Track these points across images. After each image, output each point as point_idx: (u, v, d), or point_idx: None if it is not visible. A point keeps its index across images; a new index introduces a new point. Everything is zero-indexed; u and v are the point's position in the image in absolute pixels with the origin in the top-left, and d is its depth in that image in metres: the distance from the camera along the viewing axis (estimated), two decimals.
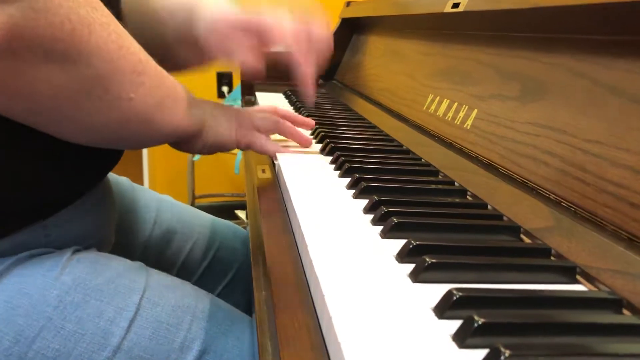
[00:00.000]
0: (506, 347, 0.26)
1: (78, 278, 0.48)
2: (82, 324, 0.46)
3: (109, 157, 0.57)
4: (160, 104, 0.50)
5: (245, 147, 0.62)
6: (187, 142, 0.57)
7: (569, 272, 0.38)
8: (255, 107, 0.67)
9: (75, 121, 0.45)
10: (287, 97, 1.15)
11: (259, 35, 0.62)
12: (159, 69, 0.50)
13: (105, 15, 0.43)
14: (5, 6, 0.35)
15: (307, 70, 0.64)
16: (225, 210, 2.12)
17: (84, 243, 0.55)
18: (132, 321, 0.47)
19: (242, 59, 0.62)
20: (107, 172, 0.58)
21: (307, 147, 0.67)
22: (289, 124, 0.65)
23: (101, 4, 0.43)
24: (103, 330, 0.46)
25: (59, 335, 0.45)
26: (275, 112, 0.66)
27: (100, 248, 0.57)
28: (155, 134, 0.52)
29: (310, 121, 0.71)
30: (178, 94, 0.53)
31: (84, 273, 0.49)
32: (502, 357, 0.26)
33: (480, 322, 0.28)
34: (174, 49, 0.67)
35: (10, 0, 0.36)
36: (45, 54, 0.39)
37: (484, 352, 0.27)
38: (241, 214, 2.17)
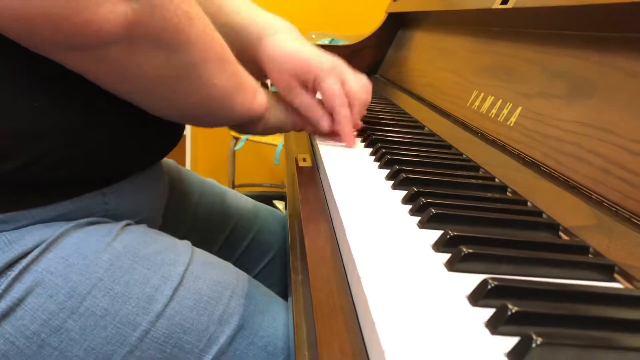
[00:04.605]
0: (538, 335, 0.27)
1: (128, 246, 0.51)
2: (129, 287, 0.48)
3: (172, 138, 0.61)
4: (236, 89, 0.56)
5: (301, 130, 0.69)
6: (250, 123, 0.63)
7: (607, 270, 0.38)
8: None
9: (168, 100, 0.52)
10: None
11: (311, 87, 0.66)
12: (234, 58, 0.55)
13: (199, 10, 0.49)
14: (131, 1, 0.41)
15: (345, 129, 0.67)
16: (263, 200, 2.13)
17: (138, 215, 0.58)
18: (175, 290, 0.50)
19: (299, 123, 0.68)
20: (169, 152, 0.62)
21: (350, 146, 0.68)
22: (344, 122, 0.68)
23: (195, 1, 0.49)
24: (148, 296, 0.49)
25: (107, 295, 0.48)
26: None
27: (150, 224, 0.59)
28: (230, 115, 0.58)
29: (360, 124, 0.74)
30: (248, 81, 0.59)
31: (134, 242, 0.51)
32: (534, 344, 0.26)
33: (513, 311, 0.29)
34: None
35: None
36: (154, 42, 0.45)
37: (516, 339, 0.28)
38: (279, 204, 2.19)
